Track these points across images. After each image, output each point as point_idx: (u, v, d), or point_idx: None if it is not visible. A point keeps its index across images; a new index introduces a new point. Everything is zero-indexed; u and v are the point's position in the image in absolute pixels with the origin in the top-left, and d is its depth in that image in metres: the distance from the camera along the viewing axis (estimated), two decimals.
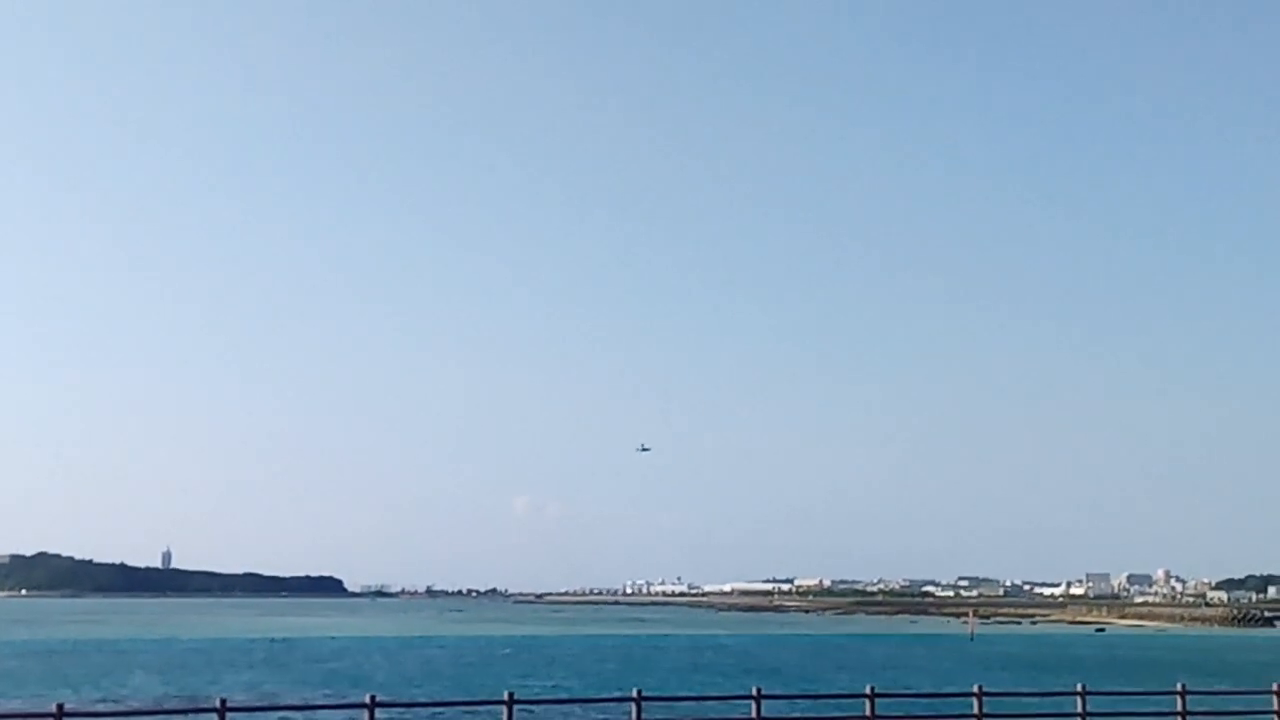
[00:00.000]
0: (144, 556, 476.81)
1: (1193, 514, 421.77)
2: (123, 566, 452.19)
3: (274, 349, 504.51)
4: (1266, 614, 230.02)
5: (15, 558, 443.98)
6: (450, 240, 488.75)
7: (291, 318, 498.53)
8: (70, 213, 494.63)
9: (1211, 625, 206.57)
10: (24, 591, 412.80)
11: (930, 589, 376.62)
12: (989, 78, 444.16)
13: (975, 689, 33.70)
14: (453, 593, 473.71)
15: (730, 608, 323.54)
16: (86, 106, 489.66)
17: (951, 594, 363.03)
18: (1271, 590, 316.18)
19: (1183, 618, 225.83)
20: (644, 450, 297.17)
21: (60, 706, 27.27)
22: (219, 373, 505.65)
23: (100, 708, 48.97)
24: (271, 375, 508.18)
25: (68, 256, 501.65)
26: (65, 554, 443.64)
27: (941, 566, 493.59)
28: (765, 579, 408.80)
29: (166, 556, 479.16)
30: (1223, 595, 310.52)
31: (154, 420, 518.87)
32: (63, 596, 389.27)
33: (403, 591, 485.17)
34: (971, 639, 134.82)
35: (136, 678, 70.15)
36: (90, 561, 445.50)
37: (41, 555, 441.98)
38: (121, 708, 49.49)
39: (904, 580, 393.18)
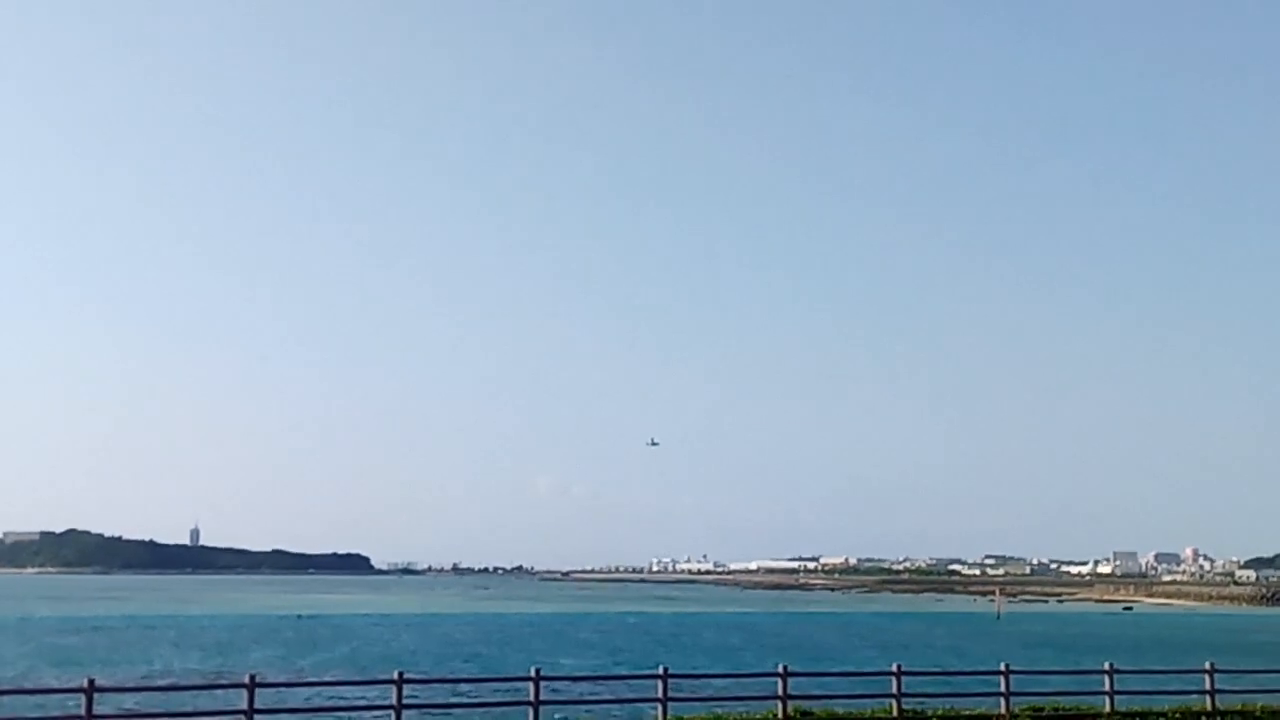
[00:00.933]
0: (173, 534, 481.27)
1: (1221, 492, 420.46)
2: (152, 543, 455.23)
3: (302, 328, 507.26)
4: None
5: (45, 534, 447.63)
6: (474, 220, 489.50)
7: (321, 297, 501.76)
8: (99, 195, 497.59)
9: (1240, 604, 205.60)
10: (49, 568, 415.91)
11: (957, 567, 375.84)
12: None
13: (1002, 667, 33.56)
14: (479, 570, 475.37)
15: (756, 586, 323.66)
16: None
17: (978, 572, 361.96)
18: None
19: (1211, 596, 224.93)
20: (654, 445, 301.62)
21: (91, 682, 27.39)
22: (247, 352, 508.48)
23: (131, 683, 49.29)
24: (300, 355, 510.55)
25: (99, 238, 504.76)
26: (95, 531, 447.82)
27: (968, 545, 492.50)
28: (791, 557, 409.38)
29: (195, 534, 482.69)
30: (1251, 574, 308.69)
31: (183, 399, 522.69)
32: (92, 573, 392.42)
33: (429, 569, 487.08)
34: (998, 618, 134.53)
35: (166, 654, 70.64)
36: (120, 538, 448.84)
37: (71, 532, 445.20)
38: (152, 683, 49.82)
39: (930, 559, 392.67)
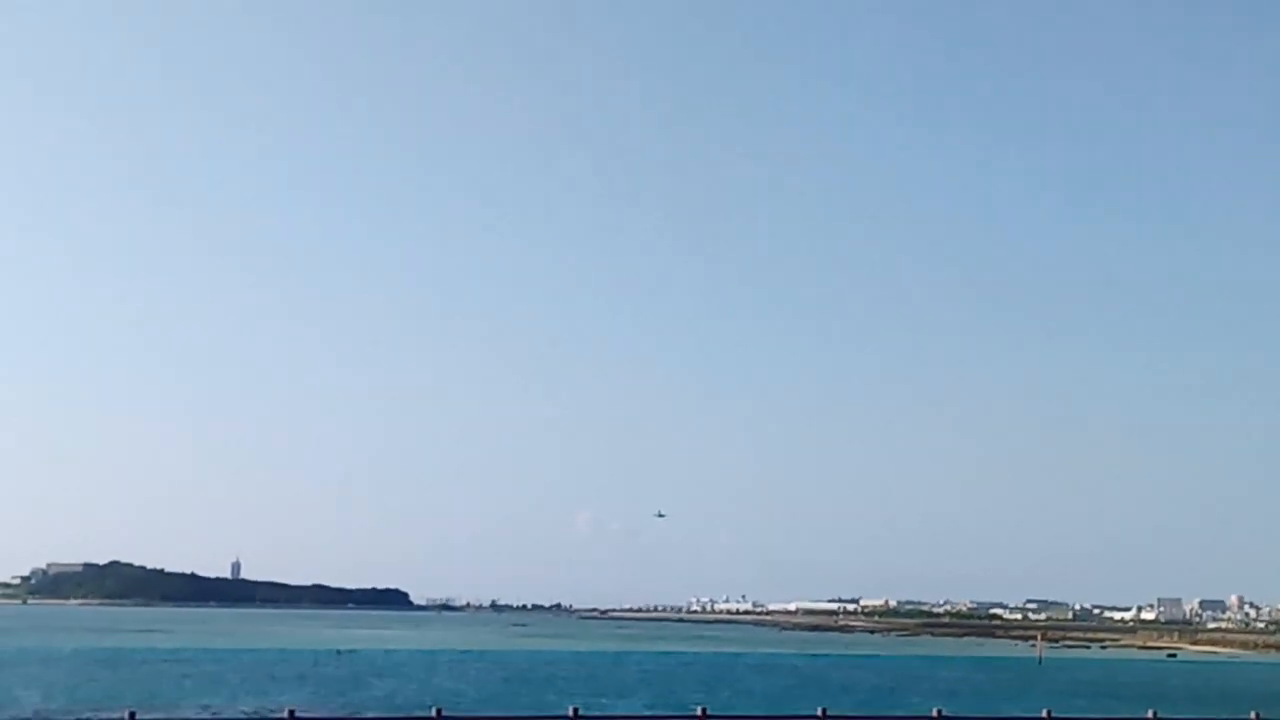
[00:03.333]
0: (214, 567, 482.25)
1: (1267, 537, 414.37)
2: (193, 576, 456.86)
3: (341, 364, 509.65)
4: None
5: (89, 566, 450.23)
6: (512, 253, 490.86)
7: (358, 334, 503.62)
8: (153, 226, 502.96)
9: None
10: (91, 600, 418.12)
11: (998, 611, 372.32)
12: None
13: (1044, 713, 33.40)
14: (517, 607, 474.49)
15: (795, 627, 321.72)
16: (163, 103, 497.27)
17: (1019, 616, 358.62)
18: None
19: (1257, 644, 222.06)
20: (660, 516, 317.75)
21: (132, 714, 27.69)
22: (288, 387, 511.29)
23: (171, 715, 49.59)
24: (339, 391, 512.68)
25: (139, 268, 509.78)
26: (137, 563, 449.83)
27: (1009, 589, 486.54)
28: (831, 599, 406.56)
29: (236, 567, 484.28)
30: None
31: (226, 433, 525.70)
32: (134, 605, 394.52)
33: (467, 605, 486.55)
34: (1040, 663, 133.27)
35: (205, 686, 70.96)
36: (161, 571, 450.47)
37: (114, 564, 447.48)
38: (192, 715, 50.11)
39: (971, 602, 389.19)
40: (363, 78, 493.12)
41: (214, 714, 52.89)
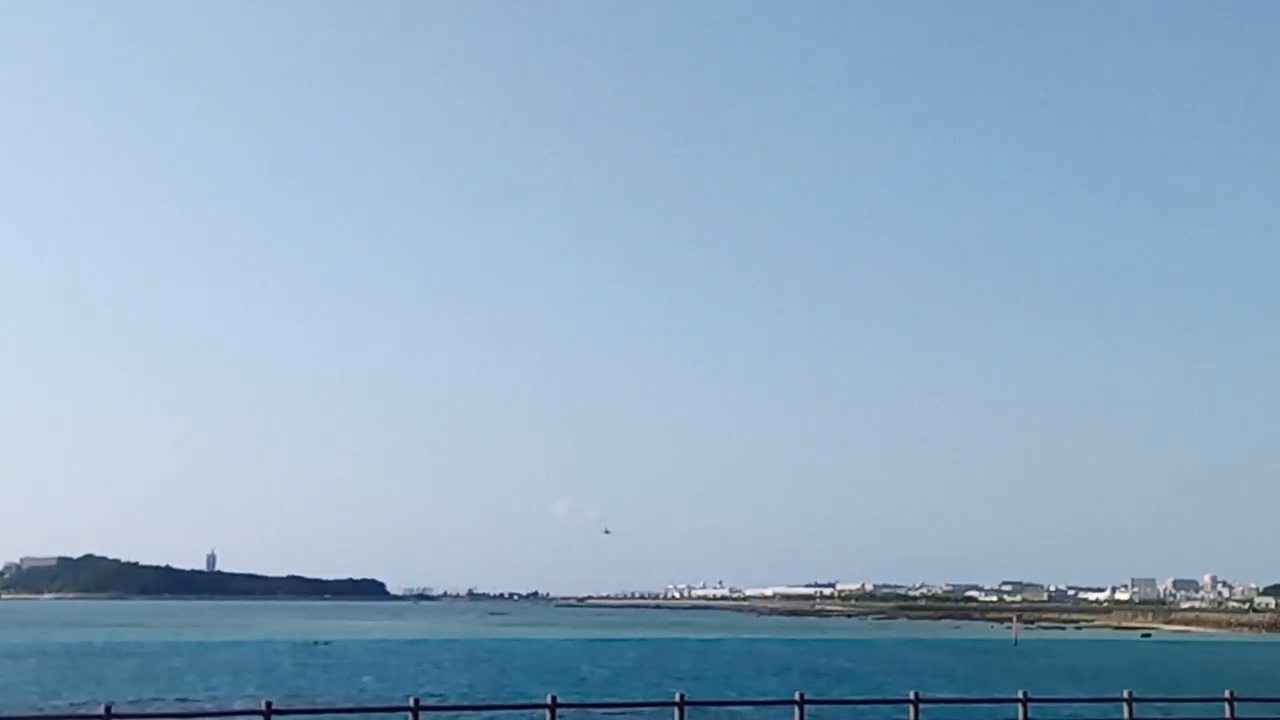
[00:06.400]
0: (189, 559, 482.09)
1: (1240, 517, 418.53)
2: (168, 569, 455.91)
3: (318, 354, 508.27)
4: None
5: (62, 560, 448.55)
6: (490, 243, 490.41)
7: (335, 324, 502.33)
8: (118, 217, 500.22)
9: (1260, 631, 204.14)
10: (66, 594, 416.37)
11: (973, 594, 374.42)
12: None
13: (1020, 694, 33.45)
14: (495, 596, 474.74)
15: (772, 612, 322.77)
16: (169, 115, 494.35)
17: (995, 599, 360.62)
18: None
19: (1230, 623, 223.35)
20: (606, 533, 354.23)
21: (108, 708, 27.48)
22: (262, 378, 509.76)
23: (147, 709, 49.32)
24: (315, 380, 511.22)
25: (113, 261, 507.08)
26: (112, 556, 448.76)
27: (985, 571, 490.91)
28: (807, 583, 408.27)
29: (211, 559, 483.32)
30: (1270, 601, 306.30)
31: (199, 424, 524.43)
32: (109, 598, 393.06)
33: (445, 595, 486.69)
34: (1015, 644, 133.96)
35: (182, 679, 70.69)
36: (136, 564, 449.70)
37: (88, 558, 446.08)
38: (168, 709, 49.87)
39: (947, 585, 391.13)
40: (358, 81, 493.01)
41: (188, 708, 52.60)
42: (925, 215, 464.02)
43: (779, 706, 34.79)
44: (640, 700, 52.34)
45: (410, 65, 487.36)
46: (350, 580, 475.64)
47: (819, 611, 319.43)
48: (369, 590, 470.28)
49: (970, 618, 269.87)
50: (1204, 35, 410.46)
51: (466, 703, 51.94)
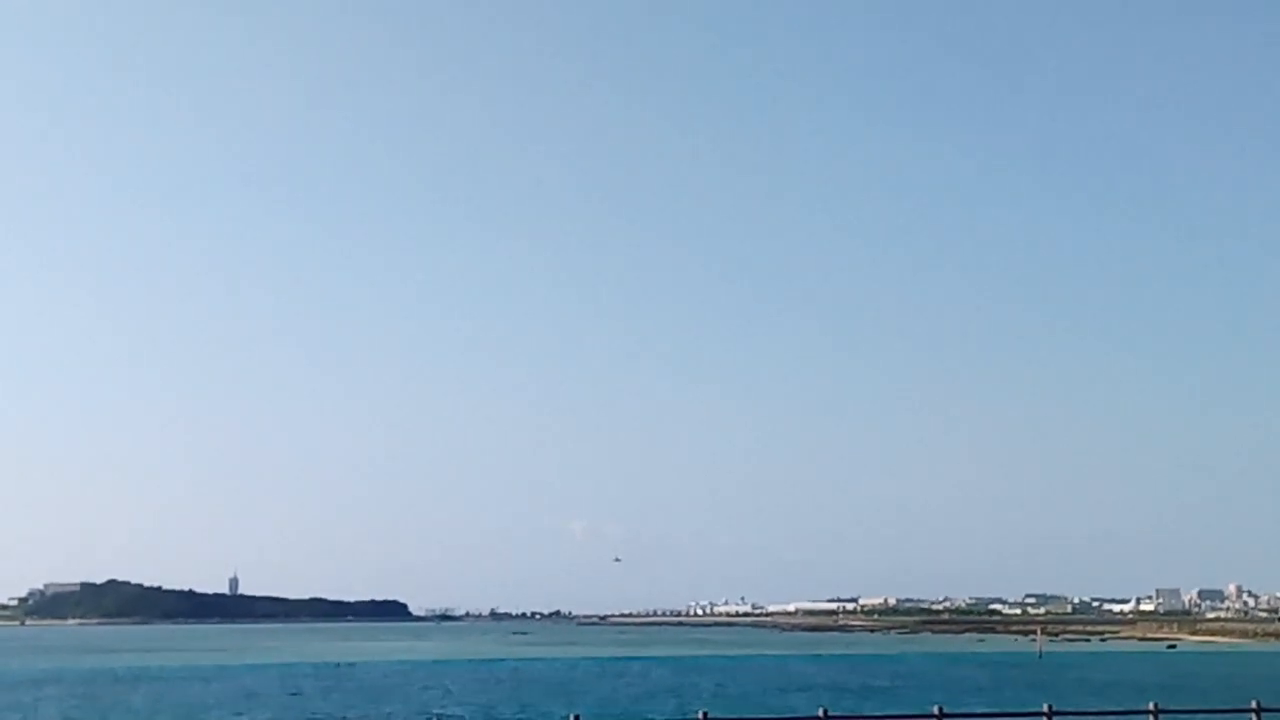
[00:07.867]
0: (211, 583, 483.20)
1: (1265, 527, 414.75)
2: (191, 593, 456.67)
3: (338, 378, 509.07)
4: None
5: (86, 585, 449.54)
6: (511, 263, 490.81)
7: (355, 347, 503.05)
8: (142, 238, 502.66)
9: None
10: (90, 619, 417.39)
11: (997, 606, 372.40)
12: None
13: (1045, 708, 33.30)
14: (517, 615, 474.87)
15: (794, 628, 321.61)
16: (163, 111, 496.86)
17: (1019, 611, 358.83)
18: None
19: (1256, 634, 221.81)
20: (617, 561, 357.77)
21: None
22: (283, 401, 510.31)
23: None
24: (338, 403, 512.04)
25: (134, 288, 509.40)
26: (135, 581, 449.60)
27: (1008, 583, 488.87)
28: (829, 598, 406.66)
29: (234, 583, 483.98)
30: None
31: (221, 449, 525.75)
32: (132, 623, 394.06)
33: (467, 615, 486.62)
34: (1040, 657, 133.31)
35: (205, 703, 70.75)
36: (159, 588, 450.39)
37: (111, 583, 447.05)
38: None
39: (970, 598, 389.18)
40: (355, 84, 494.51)
41: None
42: (943, 231, 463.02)
43: None
44: (665, 718, 52.30)
45: (415, 70, 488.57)
46: (373, 602, 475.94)
47: (842, 627, 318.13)
48: (391, 611, 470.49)
49: (994, 631, 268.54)
50: (1204, 35, 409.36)
51: None
